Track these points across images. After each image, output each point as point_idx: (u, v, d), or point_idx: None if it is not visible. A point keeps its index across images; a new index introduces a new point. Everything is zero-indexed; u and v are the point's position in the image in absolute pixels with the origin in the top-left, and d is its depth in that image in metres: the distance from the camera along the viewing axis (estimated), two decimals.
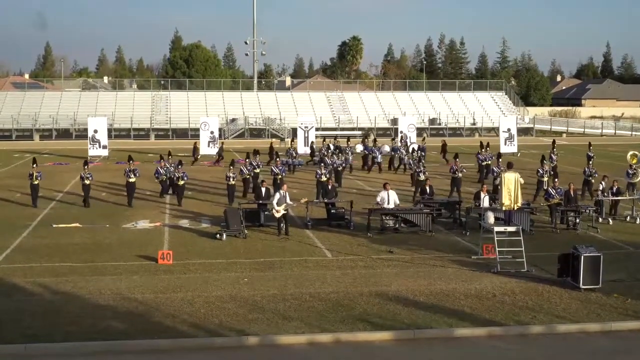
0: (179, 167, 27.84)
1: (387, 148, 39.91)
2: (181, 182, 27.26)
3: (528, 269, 17.41)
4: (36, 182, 26.75)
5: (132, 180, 27.02)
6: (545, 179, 28.88)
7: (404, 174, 36.08)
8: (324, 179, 27.44)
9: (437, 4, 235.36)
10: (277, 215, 21.55)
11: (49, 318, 13.85)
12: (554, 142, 37.98)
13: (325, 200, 24.04)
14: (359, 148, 39.79)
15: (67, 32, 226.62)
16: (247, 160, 30.33)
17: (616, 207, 24.89)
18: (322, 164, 29.85)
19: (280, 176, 28.90)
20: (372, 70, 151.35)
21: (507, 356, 12.79)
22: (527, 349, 13.00)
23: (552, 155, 34.67)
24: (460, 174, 28.70)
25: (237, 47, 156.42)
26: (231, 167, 27.69)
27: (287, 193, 22.18)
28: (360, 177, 35.83)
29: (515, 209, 18.67)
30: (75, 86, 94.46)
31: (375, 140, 41.54)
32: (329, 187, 24.83)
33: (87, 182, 26.87)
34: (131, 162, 27.85)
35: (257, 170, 30.30)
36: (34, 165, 27.29)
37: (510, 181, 18.43)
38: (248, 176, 29.12)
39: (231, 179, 27.30)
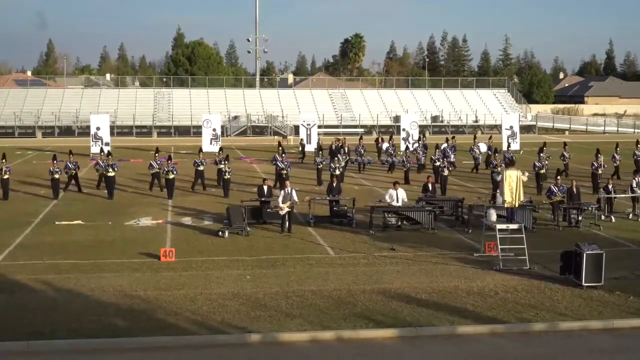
0: (169, 161, 28.25)
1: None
2: (171, 176, 27.79)
3: (530, 266, 17.42)
4: (6, 177, 27.75)
5: (110, 174, 28.18)
6: (600, 172, 28.80)
7: (417, 174, 35.31)
8: (337, 172, 28.29)
9: (439, 1, 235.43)
10: (282, 212, 21.62)
11: (52, 315, 13.88)
12: (637, 141, 36.09)
13: (329, 198, 24.04)
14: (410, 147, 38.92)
15: (69, 29, 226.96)
16: (157, 155, 30.33)
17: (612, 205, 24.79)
18: (337, 159, 30.61)
19: (285, 171, 29.27)
20: (375, 68, 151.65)
21: (509, 353, 12.79)
22: (529, 347, 13.00)
23: (615, 155, 34.33)
24: (500, 169, 29.45)
25: (239, 44, 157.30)
26: (225, 162, 28.85)
27: (292, 190, 22.26)
28: (364, 175, 35.81)
29: (517, 206, 18.69)
30: (77, 83, 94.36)
31: (447, 140, 39.53)
32: (334, 184, 24.83)
33: (56, 176, 27.77)
34: (109, 157, 29.30)
35: (201, 168, 29.85)
36: (3, 160, 28.07)
37: (512, 178, 18.44)
38: (158, 170, 29.43)
39: (227, 174, 28.38)
